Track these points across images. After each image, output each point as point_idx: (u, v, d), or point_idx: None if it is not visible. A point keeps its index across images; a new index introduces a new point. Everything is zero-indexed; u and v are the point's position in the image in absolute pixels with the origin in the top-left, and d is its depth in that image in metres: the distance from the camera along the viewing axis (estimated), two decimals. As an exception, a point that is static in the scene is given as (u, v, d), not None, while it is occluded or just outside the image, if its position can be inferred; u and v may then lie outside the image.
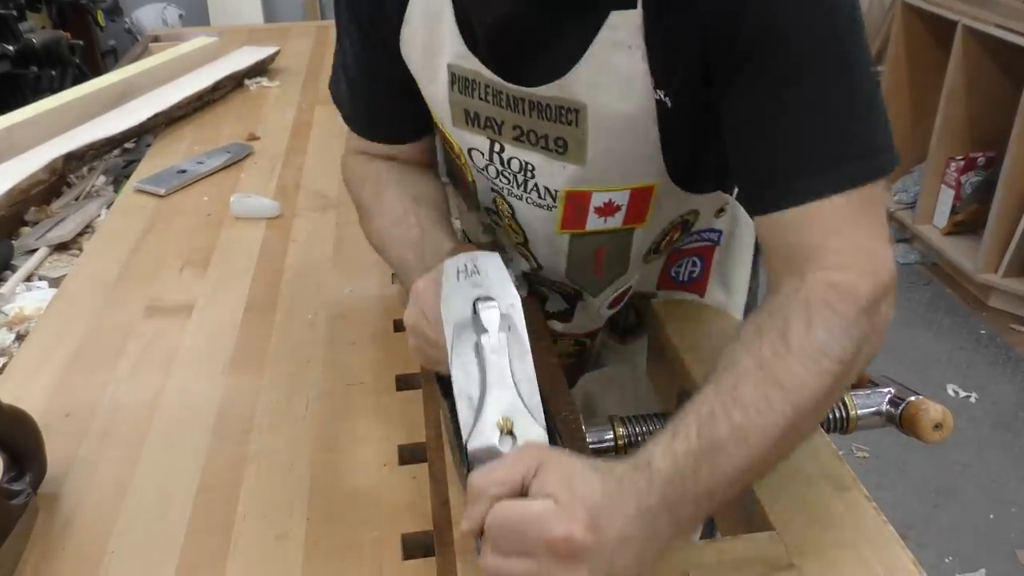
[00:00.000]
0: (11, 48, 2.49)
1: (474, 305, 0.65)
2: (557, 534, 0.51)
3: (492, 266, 0.68)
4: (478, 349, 0.63)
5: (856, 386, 0.86)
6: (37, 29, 2.80)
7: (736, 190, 0.93)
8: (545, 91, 0.71)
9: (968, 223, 2.96)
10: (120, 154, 1.57)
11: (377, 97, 0.87)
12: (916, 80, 3.12)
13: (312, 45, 2.08)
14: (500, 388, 0.61)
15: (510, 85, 0.73)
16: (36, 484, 0.74)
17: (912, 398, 0.82)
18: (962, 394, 2.44)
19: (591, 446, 0.78)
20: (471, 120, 0.78)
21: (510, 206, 0.84)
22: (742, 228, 0.98)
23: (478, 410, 0.61)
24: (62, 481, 0.77)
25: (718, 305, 1.00)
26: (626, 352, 1.07)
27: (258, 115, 1.64)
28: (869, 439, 2.21)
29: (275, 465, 0.78)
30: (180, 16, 3.86)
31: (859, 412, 0.83)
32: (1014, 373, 2.53)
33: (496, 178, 0.82)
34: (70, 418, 0.85)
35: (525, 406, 0.61)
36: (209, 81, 1.69)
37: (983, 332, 2.72)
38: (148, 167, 1.42)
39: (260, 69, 1.85)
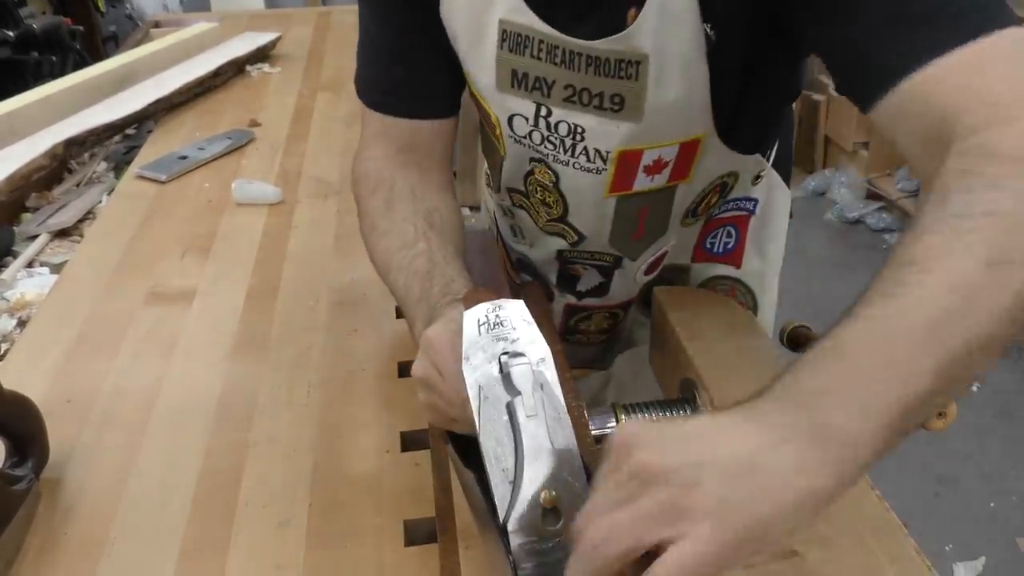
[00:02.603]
0: (11, 33, 2.48)
1: (500, 362, 0.58)
2: (627, 465, 0.45)
3: (518, 315, 0.61)
4: (510, 414, 0.56)
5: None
6: (37, 14, 2.79)
7: (773, 154, 0.91)
8: (605, 44, 0.69)
9: (971, 212, 2.95)
10: (121, 140, 1.56)
11: (400, 65, 0.82)
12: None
13: (313, 31, 2.07)
14: (538, 459, 0.54)
15: (567, 38, 0.71)
16: (38, 470, 0.74)
17: (916, 386, 0.82)
18: (964, 383, 2.44)
19: (594, 432, 0.77)
20: (518, 82, 0.76)
21: (554, 173, 0.82)
22: (778, 196, 0.97)
23: (515, 485, 0.54)
24: (64, 467, 0.77)
25: (754, 275, 0.98)
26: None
27: (259, 101, 1.63)
28: (870, 427, 2.21)
29: (277, 452, 0.78)
30: (181, 2, 3.84)
31: (862, 400, 0.82)
32: (1015, 362, 2.52)
33: (540, 144, 0.80)
34: (72, 404, 0.85)
35: (567, 476, 0.54)
36: (210, 67, 1.68)
37: (985, 321, 2.72)
38: (149, 153, 1.41)
39: (261, 55, 1.84)
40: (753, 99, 0.75)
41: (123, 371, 0.89)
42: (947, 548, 1.93)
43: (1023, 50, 0.54)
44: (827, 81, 3.55)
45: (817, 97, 3.55)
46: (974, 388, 2.42)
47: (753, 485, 0.42)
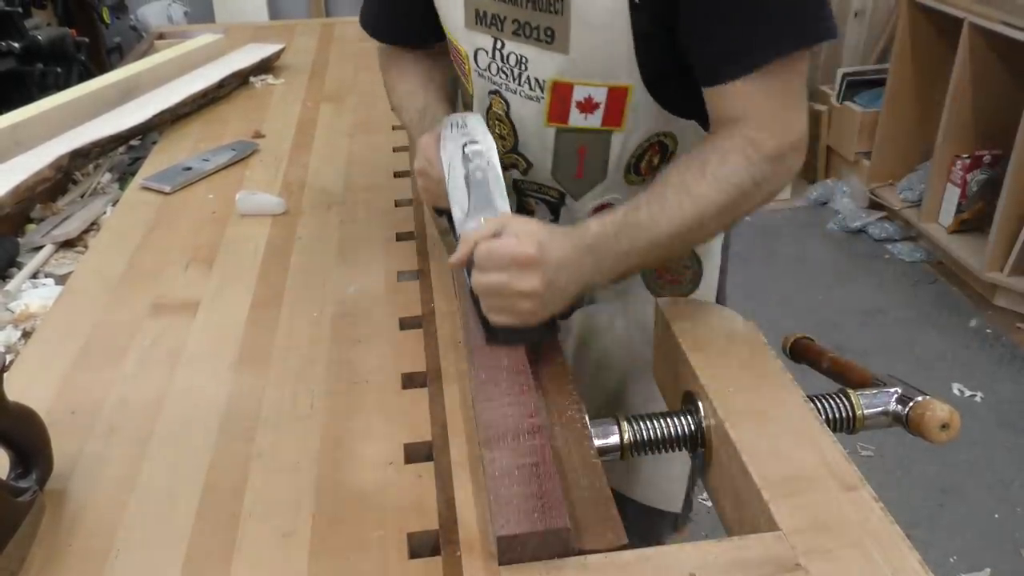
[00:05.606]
0: (17, 45, 2.49)
1: (463, 147, 0.90)
2: (519, 251, 0.78)
3: (476, 121, 0.94)
4: (467, 176, 0.89)
5: (863, 386, 0.86)
6: (42, 26, 2.80)
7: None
8: None
9: (974, 221, 2.95)
10: (125, 151, 1.57)
11: (390, 5, 1.10)
12: (922, 78, 3.11)
13: (317, 42, 2.08)
14: (482, 199, 0.87)
15: None
16: (42, 481, 0.74)
17: (919, 398, 0.82)
18: (967, 393, 2.44)
19: (596, 443, 0.78)
20: (480, 19, 0.93)
21: (506, 102, 0.98)
22: None
23: (467, 212, 0.87)
24: (68, 478, 0.77)
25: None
26: (616, 288, 1.12)
27: (263, 112, 1.64)
28: (874, 438, 2.21)
29: (280, 463, 0.78)
30: (185, 13, 3.85)
31: (866, 412, 0.83)
32: (1020, 372, 2.52)
33: (496, 75, 0.96)
34: (76, 415, 0.85)
35: (498, 210, 0.86)
36: (214, 78, 1.69)
37: (988, 331, 2.72)
38: (153, 164, 1.42)
39: (265, 66, 1.85)
40: (677, 62, 0.87)
41: (127, 382, 0.90)
42: (952, 560, 1.93)
43: (800, 80, 0.85)
44: (829, 92, 3.56)
45: (819, 107, 3.56)
46: (977, 399, 2.41)
47: (563, 276, 0.81)
